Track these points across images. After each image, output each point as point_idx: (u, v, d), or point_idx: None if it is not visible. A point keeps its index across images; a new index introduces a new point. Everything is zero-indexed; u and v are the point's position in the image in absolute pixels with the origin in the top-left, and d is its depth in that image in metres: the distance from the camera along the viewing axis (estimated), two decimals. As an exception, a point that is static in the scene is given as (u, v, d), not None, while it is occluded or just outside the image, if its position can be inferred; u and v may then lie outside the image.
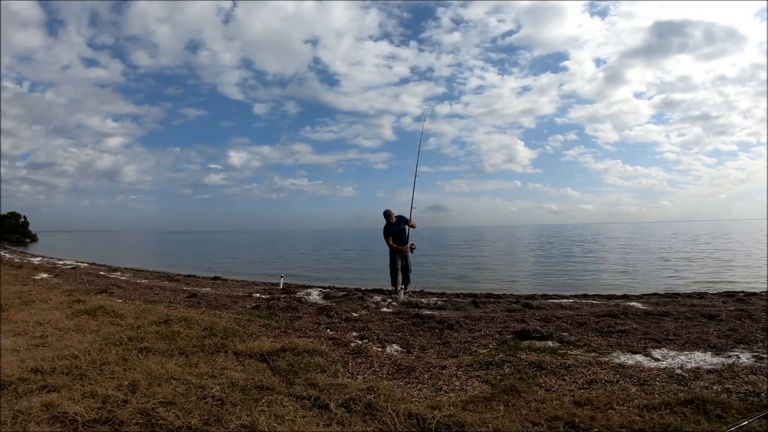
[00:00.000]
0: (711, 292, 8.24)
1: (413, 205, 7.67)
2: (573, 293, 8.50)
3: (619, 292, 8.35)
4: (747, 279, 11.66)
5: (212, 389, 2.59)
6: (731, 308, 5.55)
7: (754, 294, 7.51)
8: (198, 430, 2.12)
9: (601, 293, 8.42)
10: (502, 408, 2.41)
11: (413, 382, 2.97)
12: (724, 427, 2.10)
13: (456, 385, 2.88)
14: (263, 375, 2.94)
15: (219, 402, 2.43)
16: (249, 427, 2.14)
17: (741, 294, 7.62)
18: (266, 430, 2.12)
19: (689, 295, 7.62)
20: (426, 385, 2.91)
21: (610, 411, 2.31)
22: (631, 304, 6.38)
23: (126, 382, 2.64)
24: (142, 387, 2.58)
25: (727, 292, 8.14)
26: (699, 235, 43.21)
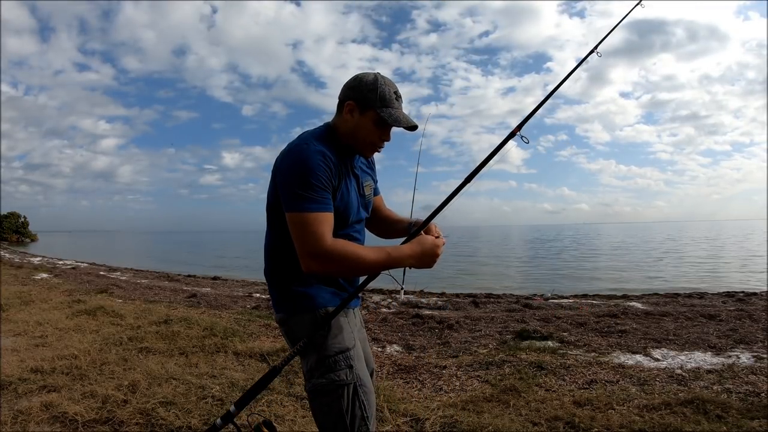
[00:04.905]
0: (711, 292, 8.24)
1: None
2: (573, 293, 8.50)
3: (619, 292, 8.36)
4: (746, 279, 11.66)
5: (212, 389, 2.59)
6: (731, 308, 5.55)
7: (754, 294, 7.52)
8: (198, 430, 2.13)
9: (600, 293, 8.43)
10: (502, 408, 2.41)
11: (413, 382, 2.96)
12: (724, 427, 2.10)
13: (456, 385, 2.88)
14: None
15: (219, 402, 2.44)
16: (249, 427, 2.13)
17: (741, 294, 7.62)
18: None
19: (689, 295, 7.62)
20: (426, 385, 2.90)
21: (610, 411, 2.31)
22: (631, 304, 6.38)
23: (126, 382, 2.64)
24: (142, 387, 2.58)
25: (727, 292, 8.14)
26: (697, 236, 43.21)
